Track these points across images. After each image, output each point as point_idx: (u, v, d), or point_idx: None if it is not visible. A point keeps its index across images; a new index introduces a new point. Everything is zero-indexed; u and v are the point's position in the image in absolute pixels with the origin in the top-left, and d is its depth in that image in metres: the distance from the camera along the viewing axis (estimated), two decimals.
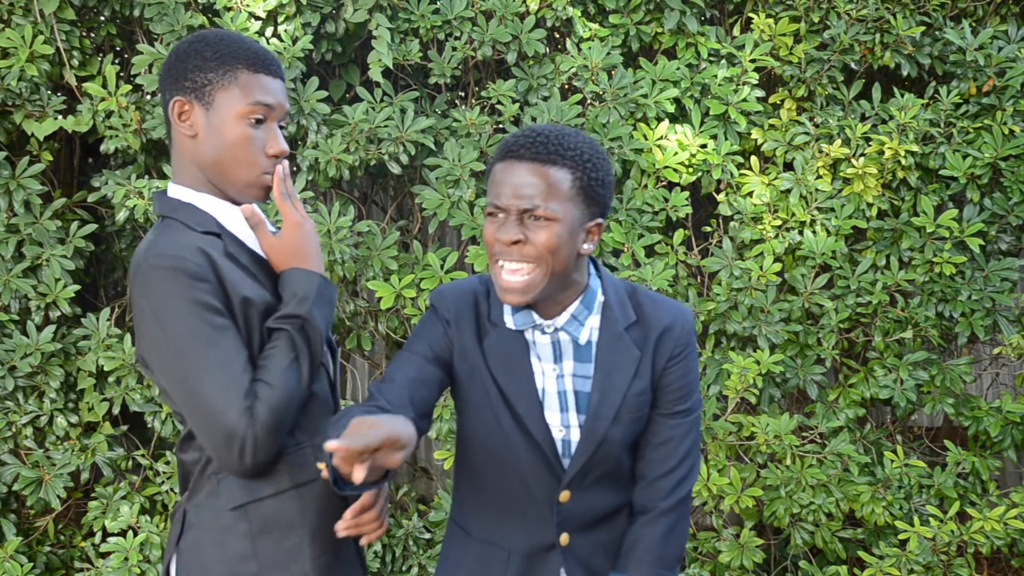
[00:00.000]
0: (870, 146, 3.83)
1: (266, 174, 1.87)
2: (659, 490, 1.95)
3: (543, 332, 1.91)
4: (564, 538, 1.95)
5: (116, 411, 3.73)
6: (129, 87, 3.69)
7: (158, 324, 1.72)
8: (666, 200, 3.81)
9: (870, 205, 3.85)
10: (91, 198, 3.84)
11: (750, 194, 3.86)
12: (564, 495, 1.92)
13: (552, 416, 1.90)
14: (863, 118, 4.03)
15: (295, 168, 4.02)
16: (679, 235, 3.86)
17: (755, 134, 3.92)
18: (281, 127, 1.91)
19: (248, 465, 1.74)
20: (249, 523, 1.81)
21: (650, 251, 3.91)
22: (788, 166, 3.97)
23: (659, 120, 3.88)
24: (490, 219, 1.82)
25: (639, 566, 1.93)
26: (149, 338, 1.75)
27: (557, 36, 4.13)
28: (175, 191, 1.89)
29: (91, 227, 3.81)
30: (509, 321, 1.90)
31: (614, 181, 1.89)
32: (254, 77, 1.85)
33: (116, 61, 3.98)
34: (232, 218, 1.89)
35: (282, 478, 1.82)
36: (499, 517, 1.96)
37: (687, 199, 3.84)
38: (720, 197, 3.92)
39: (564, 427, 1.91)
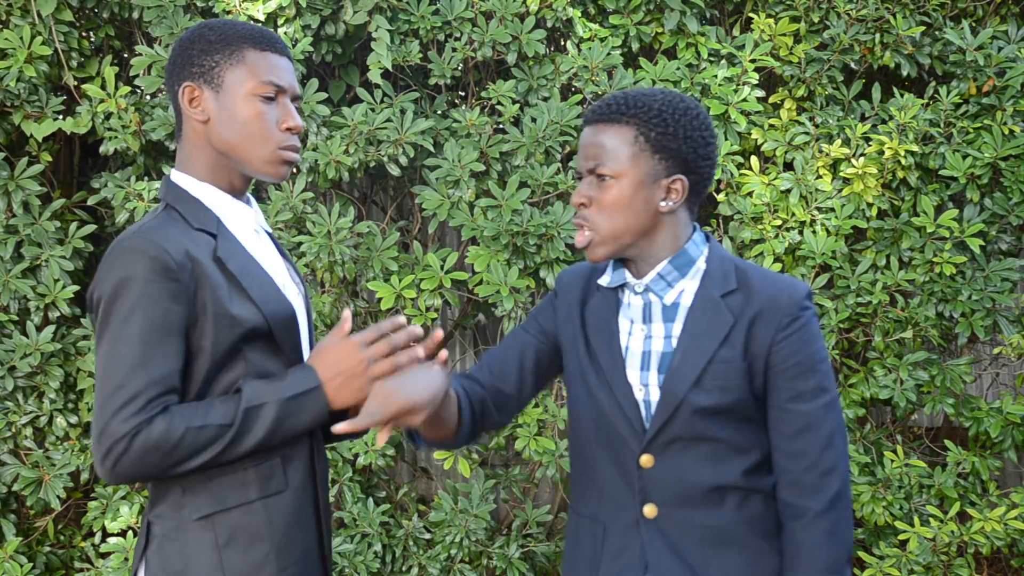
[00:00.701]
0: (870, 146, 3.83)
1: (282, 149, 1.84)
2: (807, 488, 1.81)
3: (635, 292, 1.92)
4: (650, 509, 1.86)
5: None
6: (128, 88, 3.69)
7: (114, 297, 1.70)
8: None
9: (870, 205, 3.85)
10: (91, 200, 3.84)
11: (750, 194, 3.86)
12: (645, 459, 1.85)
13: (632, 374, 1.88)
14: (863, 118, 4.03)
15: (295, 169, 4.02)
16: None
17: (755, 134, 3.92)
18: (297, 108, 1.88)
19: (106, 475, 1.71)
20: (215, 533, 1.79)
21: None
22: (788, 166, 3.97)
23: None
24: (578, 182, 1.91)
25: (801, 573, 1.81)
26: (99, 300, 1.73)
27: (557, 36, 4.13)
28: (179, 178, 1.86)
29: (90, 228, 3.80)
30: (605, 279, 1.94)
31: (706, 135, 1.86)
32: (261, 55, 1.83)
33: (115, 62, 3.97)
34: (233, 214, 1.85)
35: (250, 489, 1.80)
36: (595, 491, 1.94)
37: None
38: (720, 197, 3.92)
39: (643, 386, 1.87)
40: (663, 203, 1.85)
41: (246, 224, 1.87)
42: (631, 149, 1.82)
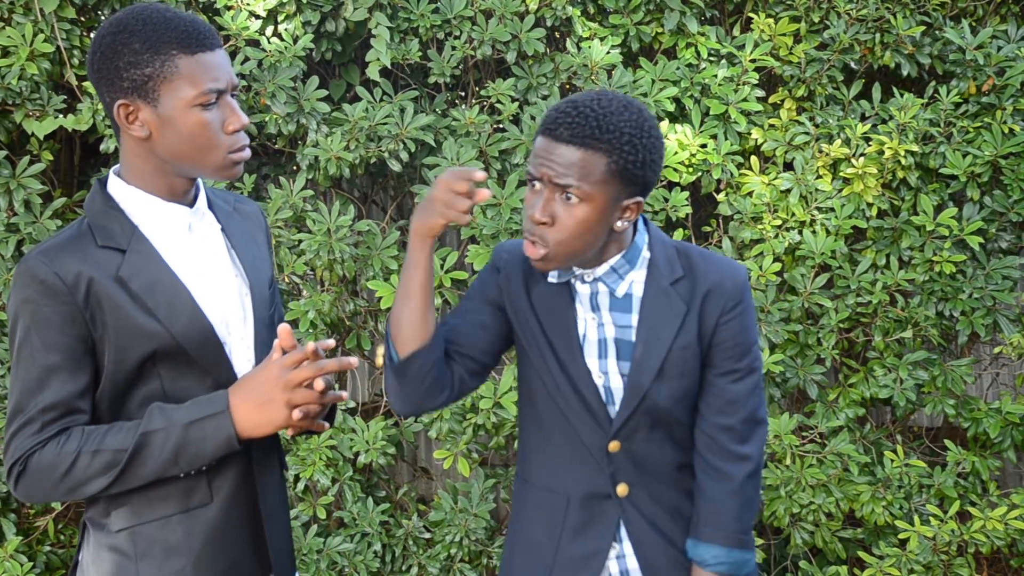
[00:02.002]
0: (870, 146, 3.83)
1: (232, 152, 1.79)
2: (732, 456, 1.94)
3: (583, 281, 1.95)
4: (622, 488, 1.95)
5: None
6: None
7: (14, 320, 1.72)
8: (666, 200, 3.81)
9: (870, 205, 3.85)
10: None
11: (750, 194, 3.86)
12: (613, 445, 1.94)
13: (592, 362, 1.94)
14: (863, 118, 4.03)
15: (295, 167, 4.02)
16: (679, 235, 3.85)
17: (755, 134, 3.92)
18: (233, 95, 1.81)
19: (16, 492, 1.73)
20: (134, 545, 1.79)
21: None
22: (788, 166, 3.97)
23: (659, 120, 3.88)
24: (528, 187, 1.87)
25: (716, 531, 1.93)
26: (8, 321, 1.76)
27: (557, 35, 4.14)
28: (112, 185, 1.82)
29: None
30: (551, 276, 1.95)
31: (662, 154, 1.90)
32: (194, 60, 1.72)
33: None
34: (160, 221, 1.81)
35: (170, 503, 1.79)
36: (557, 464, 1.98)
37: (687, 199, 3.83)
38: (720, 197, 3.92)
39: (602, 373, 1.94)
40: (619, 223, 1.88)
41: (175, 227, 1.82)
42: (602, 175, 1.82)
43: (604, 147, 1.81)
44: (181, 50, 1.72)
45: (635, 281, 1.95)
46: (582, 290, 1.96)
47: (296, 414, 1.72)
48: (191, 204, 1.86)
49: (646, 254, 1.96)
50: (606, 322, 1.95)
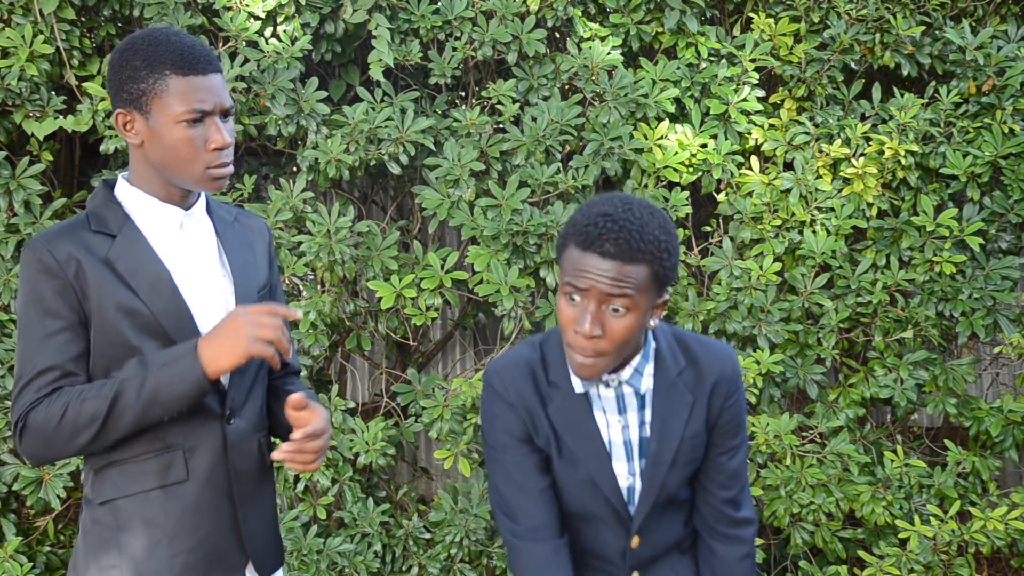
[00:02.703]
0: (870, 146, 3.83)
1: (211, 168, 1.95)
2: (735, 521, 2.07)
3: (607, 386, 1.99)
4: (635, 575, 2.08)
5: None
6: None
7: (19, 295, 1.91)
8: (666, 200, 3.81)
9: (870, 205, 3.85)
10: None
11: (750, 194, 3.86)
12: (635, 541, 2.04)
13: (619, 466, 2.00)
14: (863, 118, 4.03)
15: (295, 168, 4.02)
16: (679, 235, 3.85)
17: (755, 134, 3.92)
18: (225, 117, 1.97)
19: (21, 450, 1.88)
20: (115, 518, 1.94)
21: None
22: (788, 166, 3.97)
23: (659, 120, 3.88)
24: (567, 298, 1.86)
25: None
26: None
27: (557, 36, 4.14)
28: (119, 183, 2.01)
29: None
30: (577, 385, 1.97)
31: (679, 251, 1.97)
32: (184, 81, 1.91)
33: None
34: (153, 217, 1.98)
35: (149, 478, 1.94)
36: (578, 563, 2.07)
37: (687, 199, 3.84)
38: (720, 197, 3.92)
39: (631, 475, 2.01)
40: (652, 321, 1.92)
41: (167, 224, 1.99)
42: (645, 284, 1.85)
43: (647, 258, 1.83)
44: (174, 71, 1.91)
45: (649, 375, 2.00)
46: (605, 394, 1.99)
47: (255, 344, 1.85)
48: (187, 208, 2.04)
49: (653, 344, 2.01)
50: (631, 423, 2.00)
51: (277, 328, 1.87)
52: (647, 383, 1.98)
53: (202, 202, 2.07)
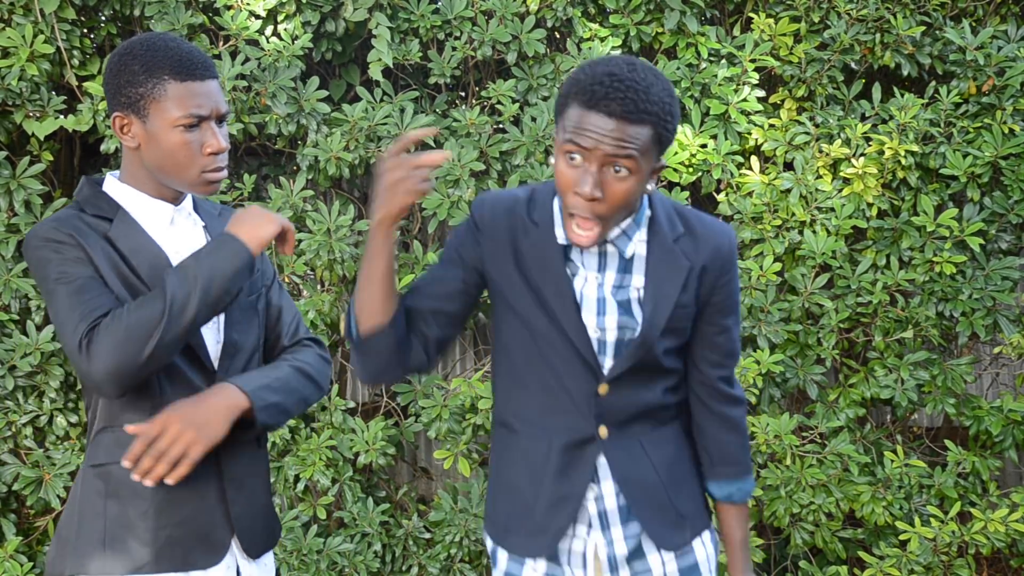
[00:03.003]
0: (870, 146, 3.83)
1: (205, 172, 1.99)
2: (728, 398, 2.06)
3: None
4: (603, 431, 2.00)
5: None
6: None
7: (40, 286, 1.93)
8: None
9: (870, 205, 3.85)
10: None
11: (750, 194, 3.86)
12: (603, 388, 1.98)
13: (589, 318, 1.96)
14: (863, 118, 4.03)
15: (295, 167, 4.03)
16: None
17: (755, 134, 3.92)
18: (221, 123, 2.01)
19: (92, 375, 1.86)
20: (104, 483, 1.97)
21: None
22: (788, 166, 3.97)
23: None
24: (567, 158, 1.83)
25: (733, 467, 2.08)
26: (43, 298, 1.97)
27: (557, 36, 4.14)
28: (108, 180, 2.05)
29: None
30: (560, 235, 1.95)
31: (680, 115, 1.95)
32: (182, 86, 1.95)
33: None
34: (143, 209, 2.02)
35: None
36: (540, 412, 2.02)
37: (687, 199, 3.84)
38: (720, 197, 3.92)
39: (600, 329, 1.96)
40: (650, 186, 1.90)
41: (158, 219, 2.03)
42: (648, 146, 1.82)
43: (652, 119, 1.81)
44: (172, 76, 1.95)
45: (640, 240, 1.98)
46: (588, 248, 1.96)
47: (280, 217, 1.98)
48: (177, 205, 2.08)
49: (647, 212, 1.99)
50: (607, 282, 1.97)
51: (276, 220, 1.96)
52: (634, 248, 1.96)
53: (189, 199, 2.12)
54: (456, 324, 2.03)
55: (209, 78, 1.99)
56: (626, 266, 1.98)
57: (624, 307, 1.97)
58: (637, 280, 1.97)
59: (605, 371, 1.98)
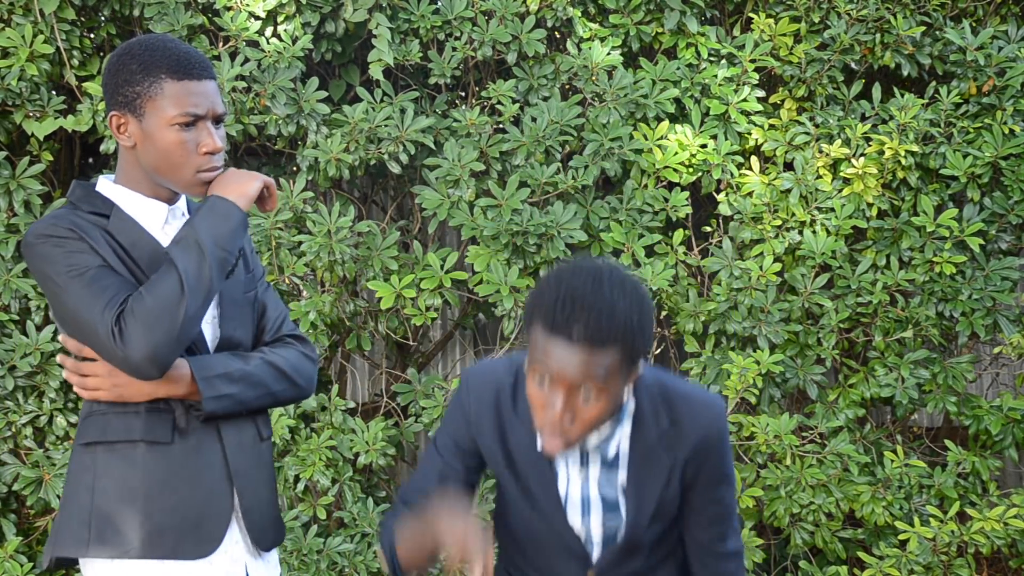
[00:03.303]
0: (870, 146, 3.83)
1: (200, 171, 1.99)
2: (723, 555, 2.02)
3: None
4: None
5: None
6: None
7: (46, 284, 1.93)
8: (666, 200, 3.81)
9: (870, 205, 3.85)
10: None
11: (750, 194, 3.86)
12: (591, 574, 1.98)
13: (574, 518, 1.93)
14: (863, 118, 4.03)
15: (295, 168, 4.02)
16: (679, 235, 3.86)
17: (755, 134, 3.92)
18: (218, 125, 2.01)
19: (128, 361, 1.86)
20: (95, 461, 1.97)
21: (650, 251, 3.91)
22: (788, 166, 3.97)
23: (659, 120, 3.88)
24: (536, 378, 1.75)
25: None
26: (49, 300, 1.95)
27: (557, 36, 4.13)
28: (101, 181, 2.06)
29: None
30: (539, 444, 1.89)
31: (653, 322, 1.84)
32: (179, 85, 1.95)
33: None
34: (138, 208, 2.02)
35: (135, 430, 1.96)
36: (533, 569, 2.03)
37: (687, 199, 3.84)
38: (720, 197, 3.92)
39: (585, 528, 1.95)
40: (624, 395, 1.83)
41: (152, 218, 2.03)
42: (616, 368, 1.73)
43: (618, 342, 1.71)
44: (169, 75, 1.95)
45: (623, 437, 1.91)
46: (571, 453, 1.92)
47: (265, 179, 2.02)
48: (171, 205, 2.08)
49: (631, 405, 1.90)
50: (592, 477, 1.92)
51: (258, 176, 2.00)
52: (617, 446, 1.90)
53: (183, 199, 2.12)
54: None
55: (206, 78, 1.99)
56: (610, 463, 1.92)
57: (609, 504, 1.93)
58: (622, 475, 1.91)
59: (593, 560, 1.96)
